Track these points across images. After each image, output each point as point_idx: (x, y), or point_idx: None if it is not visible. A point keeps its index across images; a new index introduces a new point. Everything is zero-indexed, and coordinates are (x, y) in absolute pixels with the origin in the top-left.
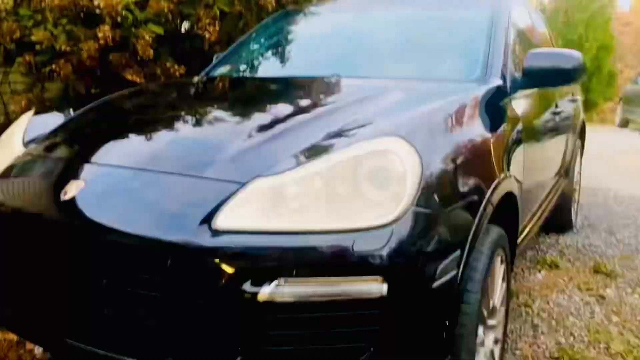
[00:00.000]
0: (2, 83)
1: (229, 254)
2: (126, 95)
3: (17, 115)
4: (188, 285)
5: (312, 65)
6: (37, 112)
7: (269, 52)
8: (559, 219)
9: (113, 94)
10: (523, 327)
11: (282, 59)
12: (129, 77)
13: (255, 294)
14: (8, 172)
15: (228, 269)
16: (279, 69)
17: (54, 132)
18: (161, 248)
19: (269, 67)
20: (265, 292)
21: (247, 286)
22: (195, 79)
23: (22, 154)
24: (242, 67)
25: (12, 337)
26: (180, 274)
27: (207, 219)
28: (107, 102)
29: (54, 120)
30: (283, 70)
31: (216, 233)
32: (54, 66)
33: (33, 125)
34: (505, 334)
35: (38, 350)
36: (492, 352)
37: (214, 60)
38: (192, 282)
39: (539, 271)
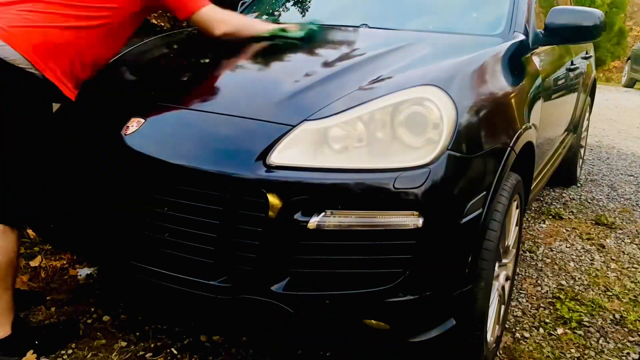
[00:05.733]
0: None
1: (282, 187)
2: (163, 39)
3: None
4: (245, 213)
5: (339, 15)
6: None
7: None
8: (564, 173)
9: (149, 39)
10: (528, 270)
11: (309, 6)
12: (153, 21)
13: (305, 222)
14: (64, 109)
15: (281, 200)
16: (307, 16)
17: (105, 73)
18: (222, 181)
19: (296, 15)
20: (314, 221)
21: (299, 215)
22: None
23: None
24: (270, 14)
25: (57, 263)
26: (238, 203)
27: (262, 157)
28: (146, 46)
29: None
30: (311, 18)
31: (270, 168)
32: None
33: None
34: (514, 273)
35: (81, 275)
36: (503, 287)
37: (239, 7)
38: (249, 210)
39: (544, 221)
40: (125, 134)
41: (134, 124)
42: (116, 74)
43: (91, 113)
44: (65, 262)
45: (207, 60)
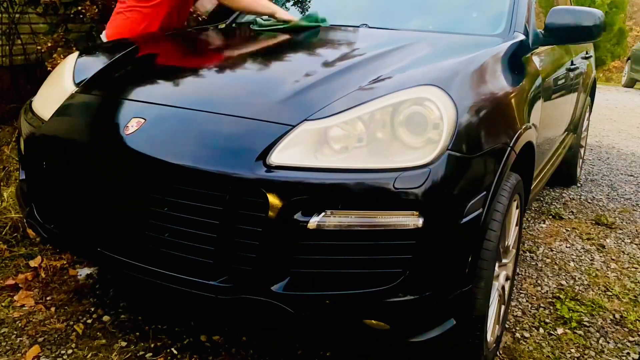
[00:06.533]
0: (19, 24)
1: (282, 187)
2: (165, 38)
3: (44, 55)
4: (245, 213)
5: (339, 15)
6: (81, 54)
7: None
8: (564, 173)
9: (149, 39)
10: (528, 270)
11: (310, 7)
12: None
13: (305, 222)
14: (64, 110)
15: (281, 200)
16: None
17: (104, 73)
18: (222, 180)
19: (297, 16)
20: (314, 221)
21: (299, 215)
22: (222, 25)
23: (75, 93)
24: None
25: (56, 263)
26: (238, 203)
27: (262, 157)
28: (146, 46)
29: (99, 61)
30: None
31: (270, 168)
32: (79, 7)
33: (80, 66)
34: (514, 273)
35: (81, 275)
36: (503, 287)
37: None
38: (249, 210)
39: (544, 221)
40: (125, 134)
41: (134, 124)
42: (117, 73)
43: (92, 113)
44: (65, 262)
45: (207, 60)
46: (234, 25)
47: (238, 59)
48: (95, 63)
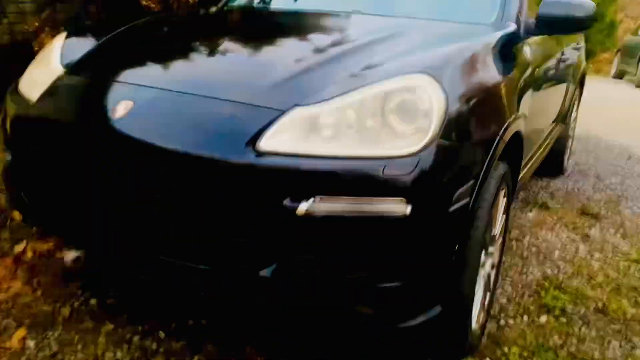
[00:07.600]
0: (8, 3)
1: (272, 173)
2: (153, 22)
3: (31, 35)
4: (234, 199)
5: (332, 0)
6: (69, 35)
7: None
8: (552, 163)
9: (139, 21)
10: (513, 258)
11: None
12: (144, 2)
13: (294, 209)
14: (51, 92)
15: (271, 186)
16: (300, 2)
17: (93, 55)
18: (211, 165)
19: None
20: (302, 207)
21: (287, 202)
22: (214, 9)
23: (62, 74)
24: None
25: (44, 246)
26: (227, 189)
27: (251, 142)
28: (136, 28)
29: (87, 43)
30: (303, 3)
31: (260, 154)
32: None
33: (68, 47)
34: (500, 261)
35: (67, 259)
36: (488, 275)
37: None
38: (238, 196)
39: (530, 210)
40: (113, 117)
41: (122, 107)
42: (105, 55)
43: (79, 95)
44: (52, 245)
45: (197, 44)
46: (225, 8)
47: (229, 43)
48: (84, 44)
